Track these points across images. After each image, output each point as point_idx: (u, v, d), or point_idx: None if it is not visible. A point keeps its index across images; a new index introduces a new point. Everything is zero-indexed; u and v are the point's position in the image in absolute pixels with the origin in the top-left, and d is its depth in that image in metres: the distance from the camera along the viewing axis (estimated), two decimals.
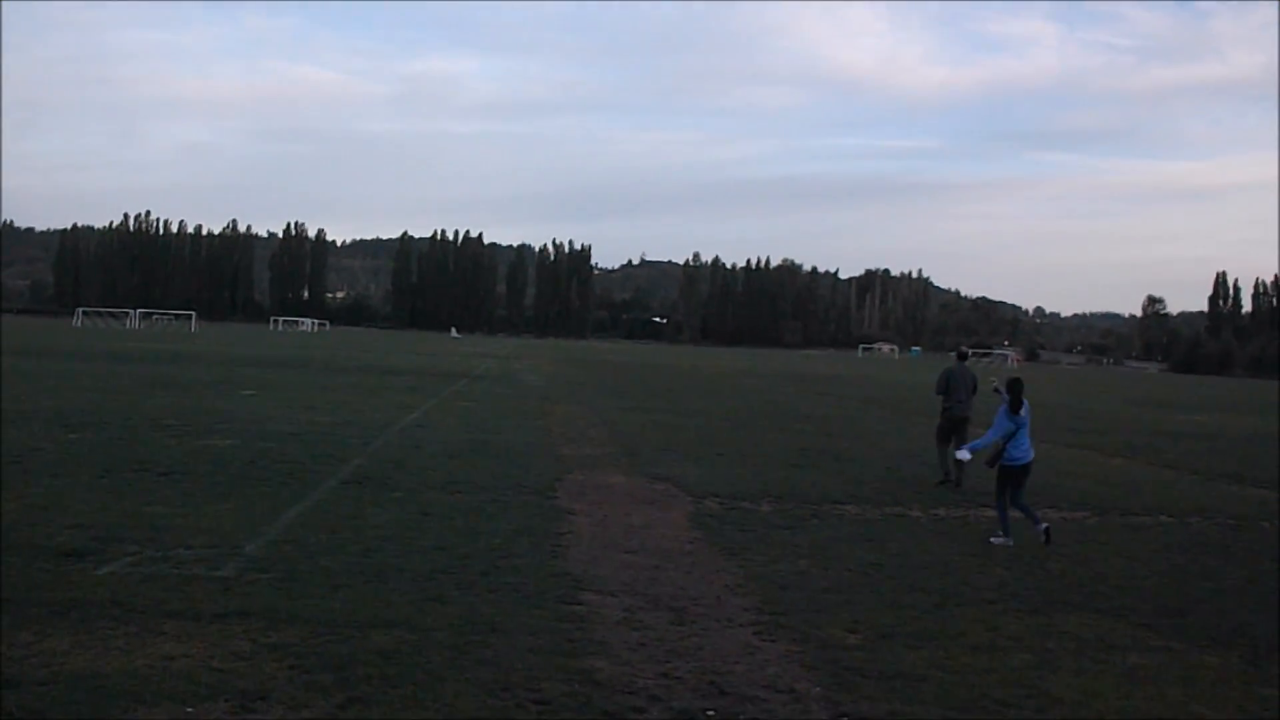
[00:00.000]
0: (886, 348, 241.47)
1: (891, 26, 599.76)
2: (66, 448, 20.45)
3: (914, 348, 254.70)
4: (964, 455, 18.08)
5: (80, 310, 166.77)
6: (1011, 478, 16.07)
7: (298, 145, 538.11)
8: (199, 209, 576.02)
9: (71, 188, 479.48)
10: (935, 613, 11.36)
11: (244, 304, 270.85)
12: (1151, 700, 8.89)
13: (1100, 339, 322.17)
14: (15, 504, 14.58)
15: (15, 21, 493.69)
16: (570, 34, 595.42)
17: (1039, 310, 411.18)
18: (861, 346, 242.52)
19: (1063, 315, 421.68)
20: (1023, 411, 16.12)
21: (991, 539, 15.80)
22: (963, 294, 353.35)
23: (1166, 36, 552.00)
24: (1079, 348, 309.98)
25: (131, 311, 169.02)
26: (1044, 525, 15.79)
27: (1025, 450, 16.09)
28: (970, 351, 25.24)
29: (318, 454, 21.28)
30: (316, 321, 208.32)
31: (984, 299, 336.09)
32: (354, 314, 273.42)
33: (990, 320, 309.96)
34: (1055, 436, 35.11)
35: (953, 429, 22.29)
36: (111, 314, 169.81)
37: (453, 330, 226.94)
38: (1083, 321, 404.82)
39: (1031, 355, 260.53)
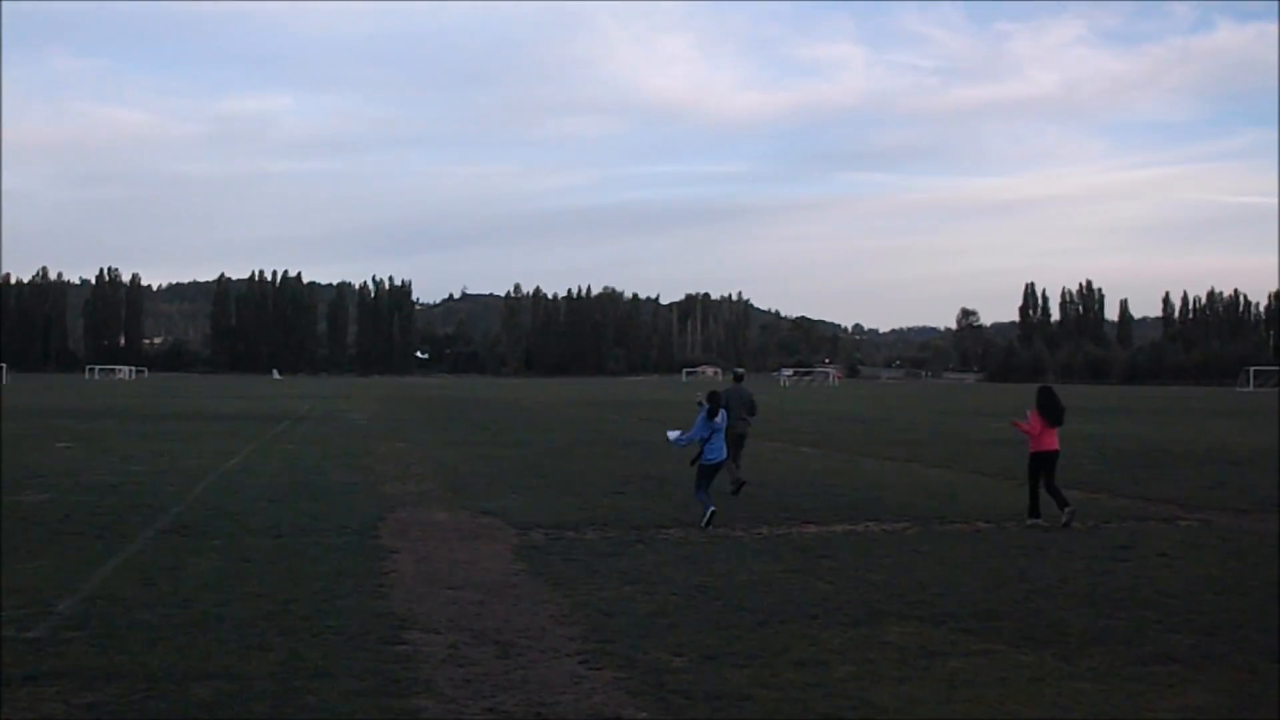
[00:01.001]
0: (710, 371, 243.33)
1: (703, 54, 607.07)
2: None
3: (737, 369, 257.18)
4: (671, 435, 20.76)
5: None
6: (707, 472, 19.14)
7: (109, 189, 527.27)
8: (6, 257, 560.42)
9: None
10: (759, 630, 11.46)
11: (57, 353, 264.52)
12: (970, 703, 9.08)
13: (918, 353, 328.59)
14: None
15: None
16: (382, 69, 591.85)
17: (858, 327, 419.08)
18: (685, 371, 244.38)
19: (881, 331, 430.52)
20: (719, 419, 19.24)
21: (702, 525, 18.60)
22: (782, 314, 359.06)
23: (968, 57, 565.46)
24: (898, 362, 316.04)
25: None
26: (712, 509, 18.86)
27: (720, 451, 19.27)
28: (743, 374, 26.76)
29: (135, 505, 20.85)
30: (134, 369, 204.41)
31: (803, 318, 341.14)
32: (173, 360, 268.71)
33: (810, 339, 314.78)
34: (877, 450, 35.82)
35: (734, 444, 22.78)
36: None
37: (274, 372, 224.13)
38: (900, 336, 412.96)
39: (852, 371, 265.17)
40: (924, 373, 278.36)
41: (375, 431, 45.87)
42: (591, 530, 18.30)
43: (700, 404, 19.63)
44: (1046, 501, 19.70)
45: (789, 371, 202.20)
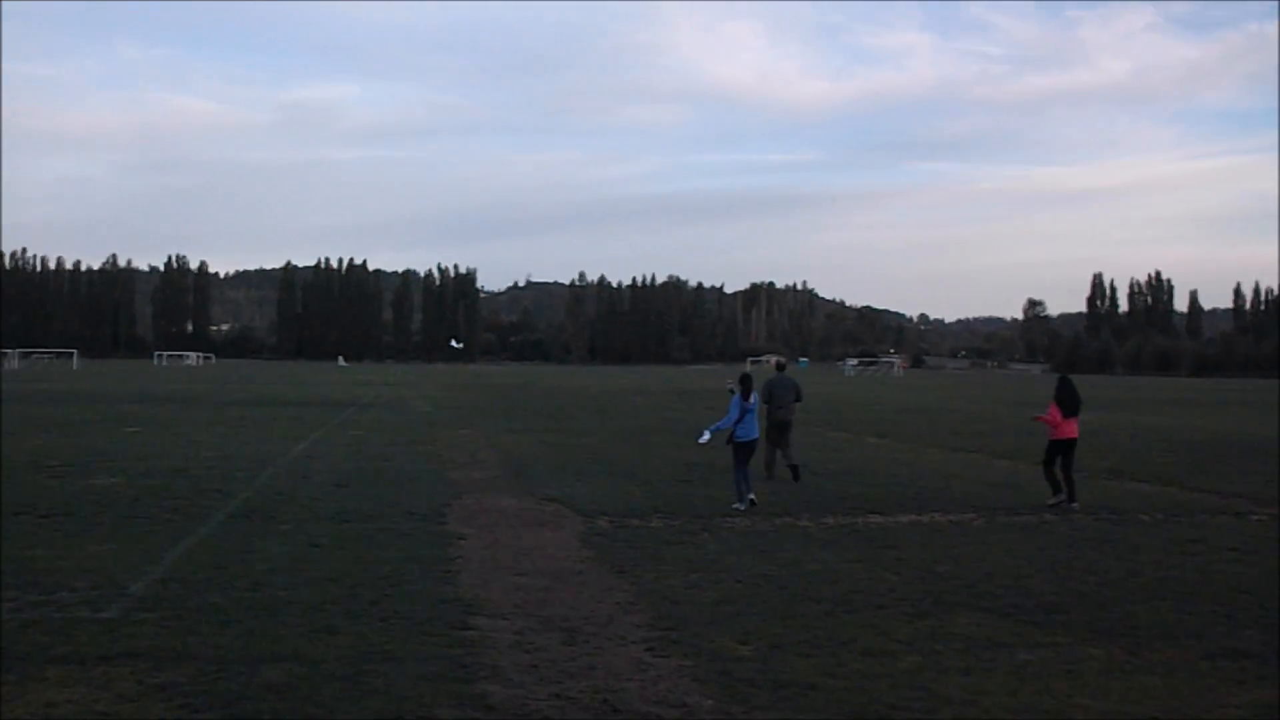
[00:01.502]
0: (774, 360, 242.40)
1: (770, 42, 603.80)
2: None
3: (801, 359, 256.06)
4: (703, 439, 21.45)
5: None
6: (743, 451, 19.95)
7: (177, 177, 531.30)
8: (77, 244, 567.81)
9: None
10: (825, 620, 11.43)
11: (126, 340, 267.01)
12: (1038, 695, 9.03)
13: (984, 343, 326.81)
14: None
15: None
16: (448, 56, 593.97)
17: (923, 317, 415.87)
18: (749, 359, 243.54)
19: (946, 321, 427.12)
20: (751, 400, 20.23)
21: (734, 505, 19.66)
22: (847, 304, 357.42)
23: (1037, 44, 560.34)
24: (963, 352, 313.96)
25: (10, 351, 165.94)
26: (751, 496, 19.78)
27: (752, 430, 20.13)
28: (786, 363, 27.31)
29: (204, 489, 21.05)
30: (202, 355, 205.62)
31: (868, 308, 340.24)
32: (240, 346, 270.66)
33: (875, 329, 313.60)
34: (942, 441, 35.61)
35: (779, 430, 24.61)
36: None
37: (340, 359, 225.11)
38: (966, 326, 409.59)
39: (917, 361, 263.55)
40: (990, 363, 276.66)
41: (440, 418, 46.08)
42: (657, 518, 18.34)
43: (732, 390, 20.67)
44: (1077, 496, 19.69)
45: (854, 361, 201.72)
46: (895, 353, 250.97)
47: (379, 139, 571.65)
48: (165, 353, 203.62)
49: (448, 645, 10.25)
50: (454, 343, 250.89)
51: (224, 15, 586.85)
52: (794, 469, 23.90)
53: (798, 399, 25.55)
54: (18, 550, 14.57)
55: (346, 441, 32.75)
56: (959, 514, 19.22)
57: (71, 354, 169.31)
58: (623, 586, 13.01)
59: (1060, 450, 20.82)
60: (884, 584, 13.36)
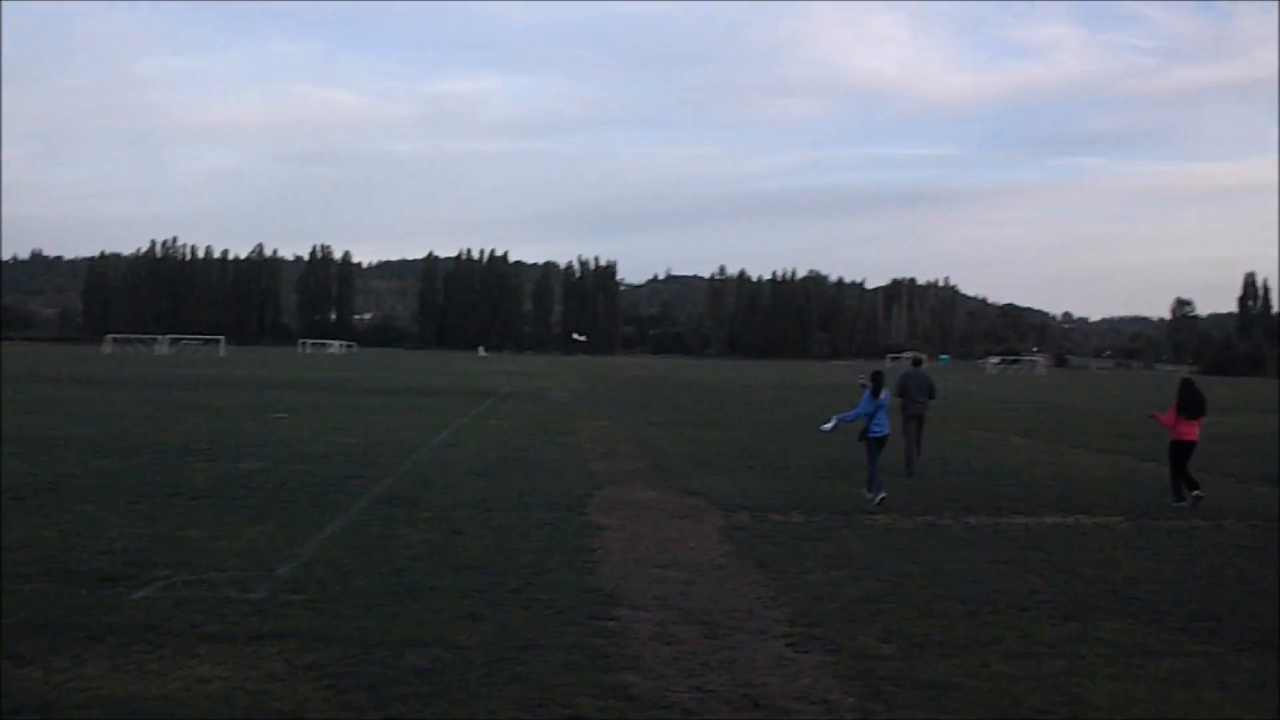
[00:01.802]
0: (911, 356, 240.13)
1: (913, 34, 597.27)
2: (99, 474, 20.59)
3: (942, 356, 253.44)
4: (827, 426, 21.45)
5: (110, 337, 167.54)
6: (875, 446, 20.19)
7: (322, 168, 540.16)
8: (225, 234, 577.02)
9: (99, 216, 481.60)
10: (968, 621, 11.32)
11: (271, 327, 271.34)
12: (1188, 705, 8.85)
13: (1129, 343, 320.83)
14: (51, 530, 14.70)
15: (42, 51, 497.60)
16: (591, 50, 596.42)
17: (1067, 315, 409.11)
18: (890, 356, 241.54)
19: (1091, 320, 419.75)
20: (882, 396, 20.44)
21: (865, 494, 19.94)
22: (990, 301, 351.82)
23: (1190, 37, 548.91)
24: (1108, 352, 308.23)
25: (160, 337, 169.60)
26: (883, 495, 19.65)
27: (883, 426, 20.39)
28: (922, 359, 27.51)
29: (348, 475, 21.36)
30: (344, 343, 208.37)
31: (1011, 305, 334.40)
32: (381, 335, 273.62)
33: (1018, 326, 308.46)
34: (1086, 442, 35.05)
35: (913, 426, 24.89)
36: (140, 340, 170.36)
37: (480, 349, 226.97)
38: (1111, 326, 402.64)
39: (1060, 360, 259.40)
40: (1135, 364, 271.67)
41: (580, 410, 46.27)
42: (797, 513, 18.25)
43: (863, 385, 20.90)
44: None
45: (995, 359, 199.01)
46: (1038, 351, 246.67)
47: (522, 132, 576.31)
48: (309, 341, 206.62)
49: (589, 635, 10.30)
50: (577, 336, 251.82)
51: (370, 10, 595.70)
52: (910, 467, 24.24)
53: (931, 396, 25.74)
54: (171, 531, 14.91)
55: (487, 431, 33.01)
56: (1105, 517, 18.89)
57: (219, 340, 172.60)
58: (763, 581, 12.98)
59: (1180, 452, 20.96)
60: (1027, 585, 13.17)
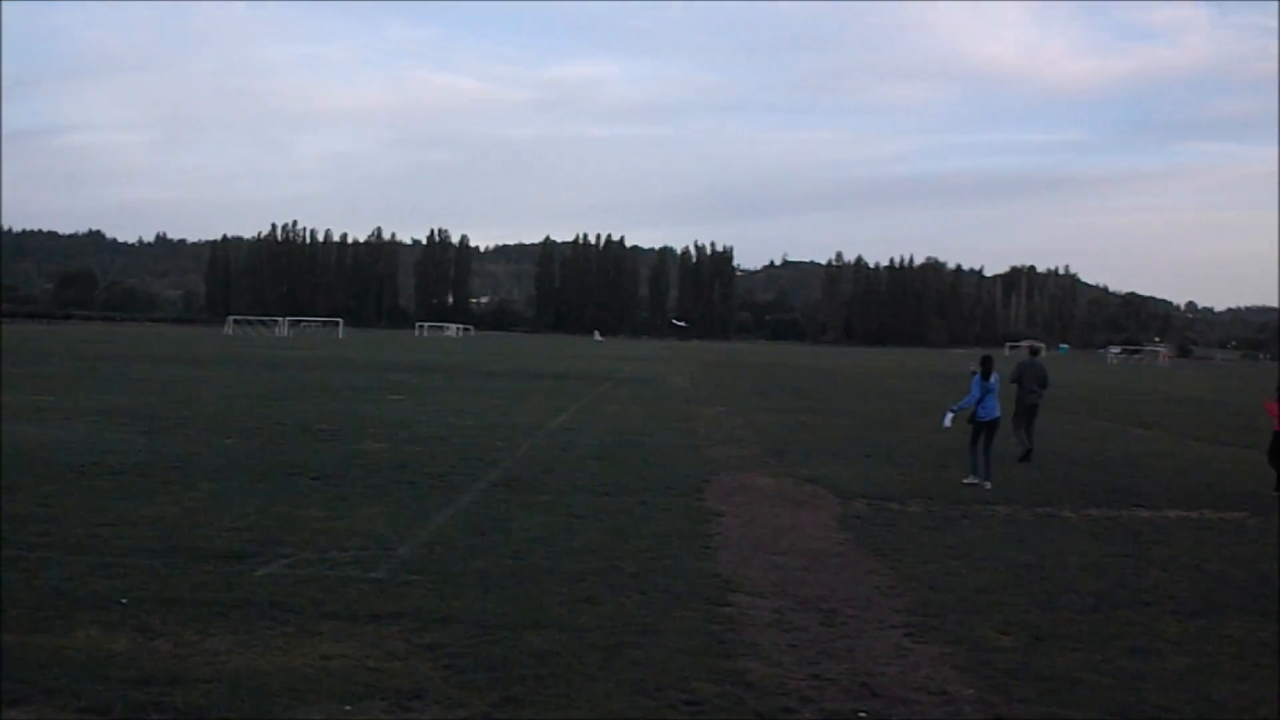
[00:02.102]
0: (1027, 344, 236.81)
1: (1035, 18, 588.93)
2: (222, 453, 20.92)
3: (1061, 345, 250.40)
4: (947, 421, 22.36)
5: (231, 319, 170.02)
6: (984, 430, 20.63)
7: (440, 152, 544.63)
8: (344, 217, 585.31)
9: (222, 199, 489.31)
10: (1090, 615, 11.16)
11: (389, 310, 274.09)
12: None
13: (1256, 333, 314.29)
14: (176, 508, 14.96)
15: (166, 40, 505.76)
16: (708, 35, 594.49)
17: (1190, 305, 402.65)
18: (1008, 344, 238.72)
19: (1216, 310, 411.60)
20: (991, 380, 20.97)
21: (964, 480, 20.44)
22: (1111, 290, 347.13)
23: None
24: (1233, 343, 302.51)
25: (280, 319, 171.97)
26: (989, 483, 20.04)
27: (993, 409, 20.85)
28: (1039, 348, 27.74)
29: (466, 457, 21.52)
30: (461, 327, 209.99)
31: (1133, 294, 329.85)
32: (498, 319, 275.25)
33: (1140, 316, 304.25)
34: (1211, 434, 34.50)
35: (1026, 415, 25.09)
36: (261, 322, 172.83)
37: (596, 334, 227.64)
38: (1237, 316, 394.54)
39: (1183, 351, 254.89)
40: (1262, 355, 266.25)
41: (696, 395, 46.30)
42: (915, 502, 18.12)
43: (973, 371, 21.38)
44: None
45: (1116, 349, 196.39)
46: (1160, 341, 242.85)
47: (638, 116, 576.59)
48: (426, 324, 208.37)
49: (707, 620, 10.29)
50: (677, 321, 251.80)
51: None
52: (1026, 452, 24.49)
53: (1044, 385, 25.81)
54: (292, 510, 15.11)
55: (605, 415, 33.15)
56: (1231, 511, 18.53)
57: (338, 323, 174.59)
58: (881, 570, 12.91)
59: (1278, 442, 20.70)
60: (1150, 580, 12.97)
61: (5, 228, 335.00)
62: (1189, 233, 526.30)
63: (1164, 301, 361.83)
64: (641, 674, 8.67)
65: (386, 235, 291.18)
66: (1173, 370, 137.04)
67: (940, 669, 9.16)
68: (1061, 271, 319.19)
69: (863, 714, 8.09)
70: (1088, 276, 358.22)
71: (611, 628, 9.88)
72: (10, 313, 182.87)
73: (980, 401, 20.85)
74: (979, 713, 8.22)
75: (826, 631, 10.12)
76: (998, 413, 21.02)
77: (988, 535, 15.43)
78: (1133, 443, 30.96)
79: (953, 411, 22.04)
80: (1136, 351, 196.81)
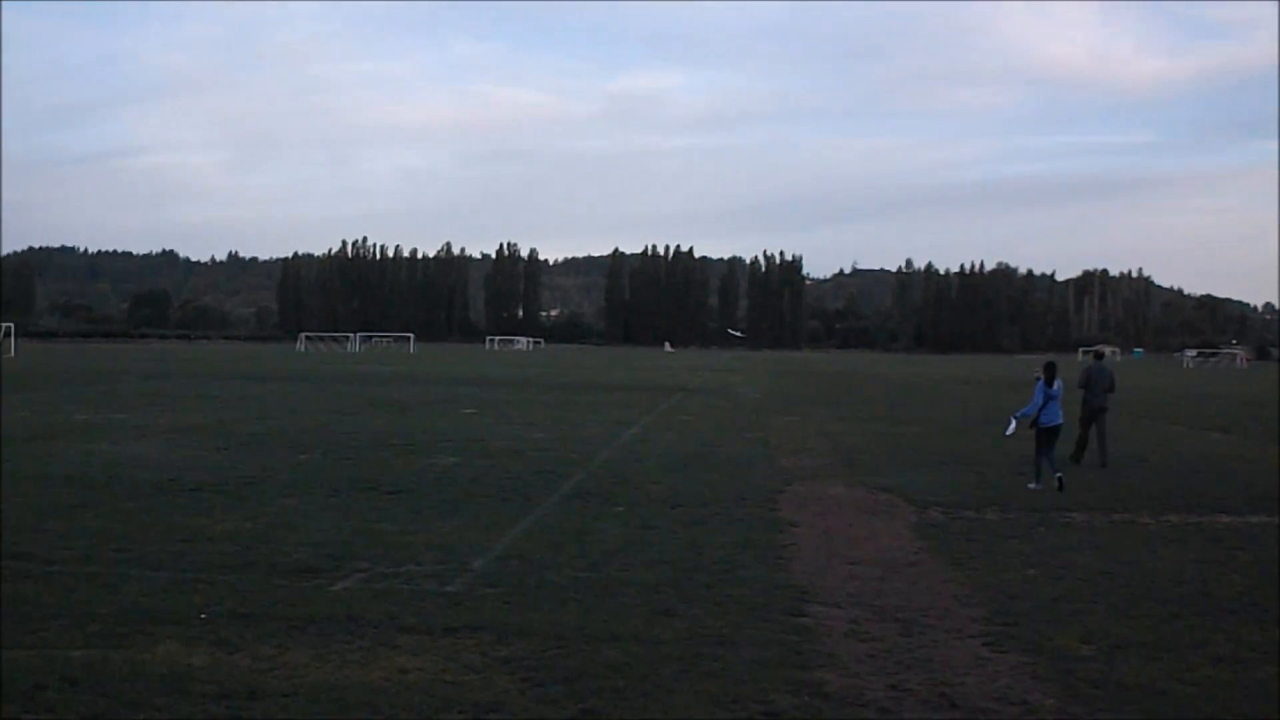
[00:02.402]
0: (1108, 349, 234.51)
1: (1103, 19, 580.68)
2: (298, 468, 21.07)
3: (1136, 349, 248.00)
4: (1010, 429, 22.01)
5: (303, 335, 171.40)
6: (1047, 435, 20.87)
7: (508, 166, 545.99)
8: (413, 233, 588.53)
9: (292, 217, 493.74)
10: (1172, 622, 11.02)
11: (460, 324, 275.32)
12: None
13: None
14: (252, 523, 15.08)
15: (234, 60, 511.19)
16: (773, 43, 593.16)
17: (1269, 306, 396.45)
18: (1082, 349, 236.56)
19: None
20: (1055, 387, 21.04)
21: (1029, 485, 20.65)
22: (1186, 292, 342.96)
23: None
24: None
25: (352, 335, 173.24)
26: (1059, 475, 20.41)
27: (1056, 415, 21.05)
28: (1104, 353, 27.88)
29: (539, 470, 21.55)
30: (531, 340, 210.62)
31: (1209, 296, 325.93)
32: (568, 331, 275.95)
33: (1216, 318, 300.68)
34: None
35: (1092, 417, 25.48)
36: (333, 338, 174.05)
37: (666, 345, 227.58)
38: None
39: (1262, 353, 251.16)
40: None
41: (768, 405, 46.18)
42: (991, 510, 17.96)
43: (1037, 377, 21.57)
44: None
45: (1193, 352, 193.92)
46: (1237, 344, 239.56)
47: (705, 127, 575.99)
48: (496, 337, 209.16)
49: (783, 632, 10.26)
50: (733, 331, 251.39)
51: (553, 9, 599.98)
52: (1104, 460, 24.63)
53: (1111, 389, 26.09)
54: (367, 524, 15.20)
55: (676, 426, 33.11)
56: None
57: (409, 338, 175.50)
58: (958, 579, 12.81)
59: None
60: (1234, 587, 12.79)
61: (81, 249, 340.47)
62: (1265, 232, 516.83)
63: (1240, 303, 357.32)
64: (718, 686, 8.64)
65: (456, 250, 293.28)
66: (1251, 372, 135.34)
67: (1020, 678, 9.08)
68: (1135, 274, 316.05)
69: None
70: (1162, 279, 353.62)
71: (688, 639, 9.86)
72: (87, 332, 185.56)
73: (1043, 408, 21.01)
74: None
75: (904, 641, 10.05)
76: (1060, 419, 21.27)
77: (1065, 542, 15.28)
78: (1211, 447, 30.58)
79: (1015, 419, 21.96)
80: (1213, 354, 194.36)
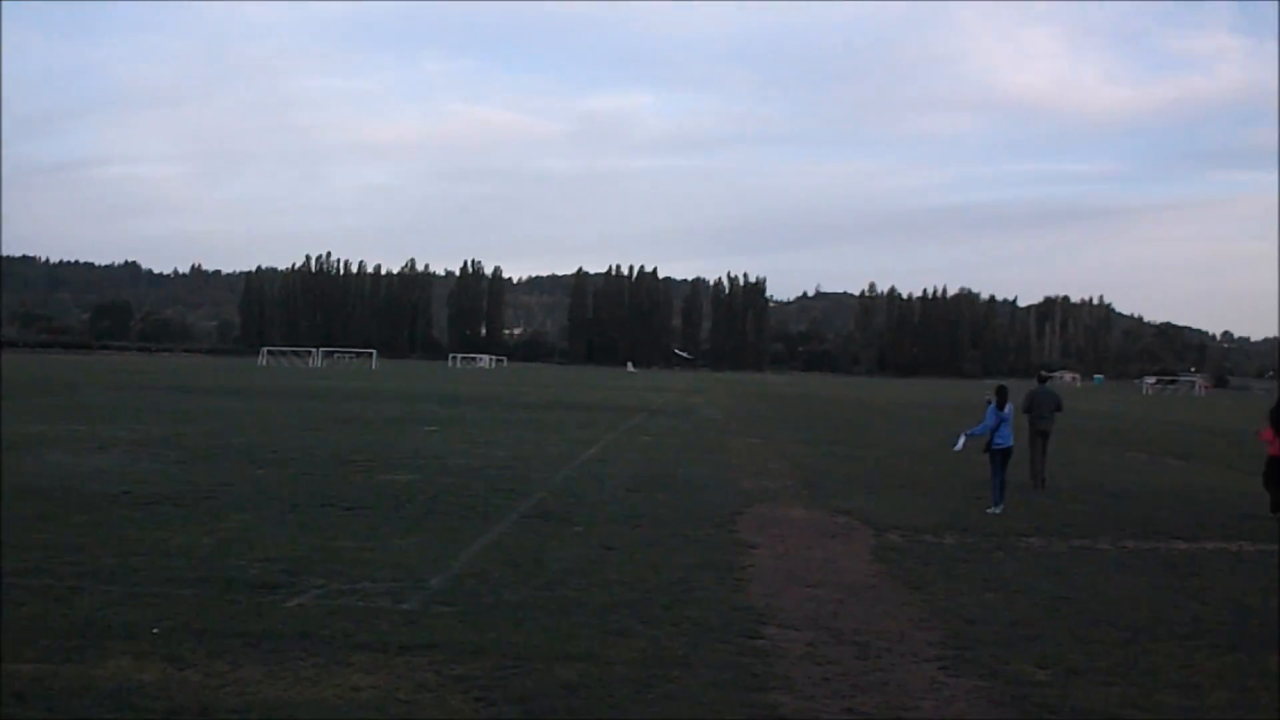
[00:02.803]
0: (1069, 376, 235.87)
1: (1069, 47, 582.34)
2: (256, 483, 20.96)
3: (1096, 375, 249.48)
4: (958, 446, 22.96)
5: (265, 349, 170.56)
6: (999, 457, 21.43)
7: (475, 184, 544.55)
8: (378, 249, 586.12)
9: (257, 231, 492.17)
10: (1127, 648, 11.04)
11: (423, 342, 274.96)
12: None
13: None
14: (209, 538, 15.00)
15: (202, 73, 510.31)
16: (743, 67, 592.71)
17: (1227, 335, 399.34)
18: (1041, 373, 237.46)
19: (1253, 339, 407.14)
20: (1006, 410, 21.78)
21: (988, 510, 20.82)
22: (1146, 319, 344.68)
23: None
24: (1271, 373, 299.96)
25: (314, 350, 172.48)
26: (1000, 508, 20.80)
27: (1008, 438, 21.67)
28: (1049, 376, 28.42)
29: (499, 489, 21.50)
30: (494, 358, 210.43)
31: (1169, 324, 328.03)
32: (531, 350, 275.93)
33: (1175, 346, 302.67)
34: (1249, 466, 34.10)
35: (1040, 439, 25.81)
36: (295, 353, 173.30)
37: (629, 365, 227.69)
38: (1274, 345, 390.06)
39: (1220, 381, 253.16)
40: None
41: (729, 427, 46.24)
42: (950, 535, 18.01)
43: (988, 400, 22.30)
44: None
45: (1152, 379, 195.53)
46: (1196, 371, 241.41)
47: (672, 148, 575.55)
48: (459, 355, 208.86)
49: (739, 653, 10.24)
50: (680, 352, 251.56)
51: (523, 29, 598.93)
52: (1041, 480, 25.22)
53: (1057, 409, 26.55)
54: (325, 540, 15.12)
55: (637, 446, 33.11)
56: (1270, 544, 18.30)
57: (371, 354, 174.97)
58: (916, 602, 12.83)
59: (1274, 466, 22.17)
60: (1188, 613, 12.84)
61: (42, 258, 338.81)
62: (1225, 262, 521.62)
63: (1200, 331, 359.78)
64: (673, 707, 8.62)
65: (420, 267, 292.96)
66: (1210, 400, 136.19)
67: (975, 703, 9.09)
68: (1096, 302, 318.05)
69: None
70: (1122, 307, 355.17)
71: (644, 660, 9.84)
72: (47, 343, 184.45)
73: (996, 430, 21.62)
74: None
75: (860, 665, 10.05)
76: (1011, 441, 21.81)
77: (1023, 568, 15.32)
78: (1169, 474, 30.76)
79: (965, 436, 22.69)
80: (1172, 382, 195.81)
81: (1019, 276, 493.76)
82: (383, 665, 9.39)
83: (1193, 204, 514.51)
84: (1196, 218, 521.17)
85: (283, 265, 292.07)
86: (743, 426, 46.73)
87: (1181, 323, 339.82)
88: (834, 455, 32.77)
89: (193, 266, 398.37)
